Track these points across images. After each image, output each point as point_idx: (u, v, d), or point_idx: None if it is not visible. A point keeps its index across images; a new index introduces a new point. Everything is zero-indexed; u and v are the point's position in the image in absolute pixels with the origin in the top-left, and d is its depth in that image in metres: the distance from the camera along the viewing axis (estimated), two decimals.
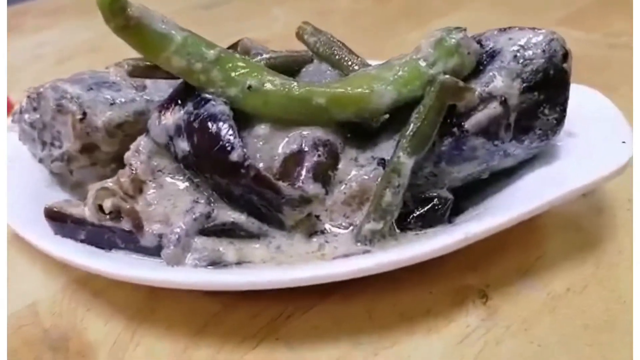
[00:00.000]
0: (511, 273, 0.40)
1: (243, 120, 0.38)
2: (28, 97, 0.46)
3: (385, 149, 0.38)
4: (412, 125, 0.35)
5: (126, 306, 0.41)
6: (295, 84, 0.37)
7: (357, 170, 0.38)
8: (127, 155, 0.40)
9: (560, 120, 0.36)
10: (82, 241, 0.39)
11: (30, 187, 0.47)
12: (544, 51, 0.35)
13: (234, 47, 0.43)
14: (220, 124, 0.36)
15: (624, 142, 0.37)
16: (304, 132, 0.38)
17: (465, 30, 0.35)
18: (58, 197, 0.46)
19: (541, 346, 0.36)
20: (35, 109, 0.46)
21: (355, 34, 0.89)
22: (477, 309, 0.38)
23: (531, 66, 0.35)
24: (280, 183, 0.35)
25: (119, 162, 0.45)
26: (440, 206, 0.38)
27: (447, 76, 0.34)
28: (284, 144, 0.38)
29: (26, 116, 0.47)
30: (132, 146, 0.40)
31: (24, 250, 0.46)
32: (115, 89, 0.43)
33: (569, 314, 0.38)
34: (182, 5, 1.08)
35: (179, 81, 0.40)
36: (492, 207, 0.38)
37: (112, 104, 0.42)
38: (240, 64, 0.38)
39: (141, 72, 0.39)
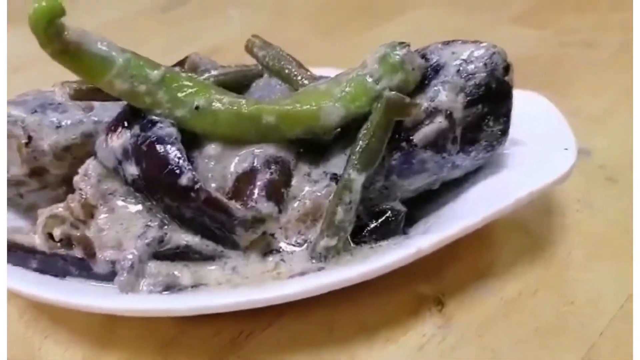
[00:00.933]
0: (465, 280, 0.41)
1: (193, 140, 0.38)
2: None
3: (337, 164, 0.39)
4: (360, 142, 0.36)
5: (85, 331, 0.40)
6: (244, 102, 0.37)
7: (310, 186, 0.38)
8: (76, 179, 0.40)
9: (504, 131, 0.37)
10: (34, 270, 0.38)
11: None
12: (485, 65, 0.35)
13: (181, 63, 0.42)
14: (168, 147, 0.35)
15: (566, 149, 0.38)
16: (256, 150, 0.38)
17: (408, 45, 0.36)
18: (10, 221, 0.46)
19: (495, 351, 0.37)
20: None
21: (312, 35, 0.89)
22: (433, 317, 0.39)
23: (474, 80, 0.35)
24: (232, 204, 0.35)
25: (69, 183, 0.44)
26: (393, 219, 0.38)
27: (392, 92, 0.35)
28: (236, 163, 0.38)
29: None
30: (81, 170, 0.40)
31: None
32: (61, 111, 0.42)
33: (521, 318, 0.39)
34: (139, 7, 1.06)
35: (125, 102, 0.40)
36: (444, 216, 0.39)
37: (58, 127, 0.41)
38: (186, 83, 0.37)
39: (84, 95, 0.38)
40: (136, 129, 0.36)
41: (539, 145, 0.39)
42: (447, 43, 0.37)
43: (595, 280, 0.41)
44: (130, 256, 0.35)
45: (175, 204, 0.36)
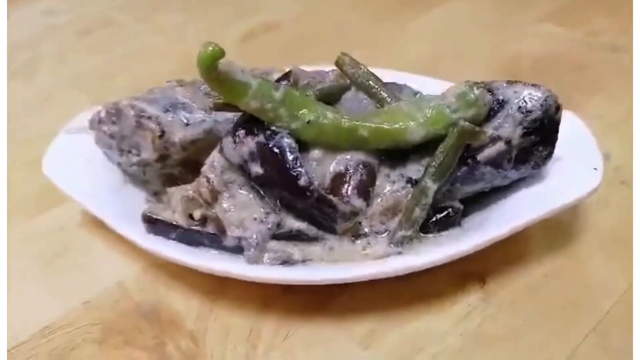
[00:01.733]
0: (504, 264, 0.52)
1: (302, 145, 0.48)
2: (106, 111, 0.54)
3: (412, 169, 0.49)
4: (437, 158, 0.46)
5: (199, 288, 0.52)
6: (344, 119, 0.47)
7: (390, 185, 0.49)
8: (204, 169, 0.50)
9: (549, 155, 0.47)
10: (172, 239, 0.49)
11: (110, 184, 0.56)
12: (541, 105, 0.45)
13: (286, 76, 0.52)
14: (289, 154, 0.45)
15: (595, 168, 0.48)
16: (349, 156, 0.48)
17: (483, 86, 0.45)
18: (134, 192, 0.56)
19: (525, 320, 0.48)
20: (114, 122, 0.54)
21: (357, 21, 0.96)
22: (477, 292, 0.51)
23: (530, 116, 0.45)
24: (335, 200, 0.46)
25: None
26: (453, 214, 0.49)
27: (466, 123, 0.45)
28: (334, 165, 0.48)
29: (105, 127, 0.55)
30: (207, 161, 0.50)
31: (100, 235, 0.56)
32: (188, 111, 0.52)
33: (546, 296, 0.50)
34: None
35: None
36: (494, 215, 0.49)
37: (187, 125, 0.51)
38: (300, 100, 0.47)
39: (222, 108, 0.48)
40: (261, 137, 0.46)
41: (573, 163, 0.49)
42: (511, 83, 0.46)
43: (606, 270, 0.52)
44: (255, 236, 0.46)
45: (290, 198, 0.46)
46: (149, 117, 0.52)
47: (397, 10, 0.98)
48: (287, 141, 0.46)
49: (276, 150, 0.45)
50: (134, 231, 0.50)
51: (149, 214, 0.49)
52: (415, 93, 0.55)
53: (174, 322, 0.50)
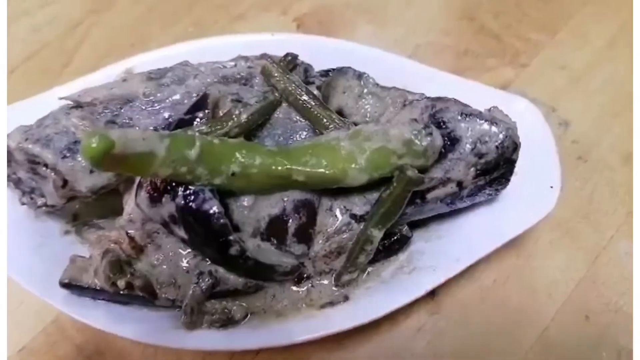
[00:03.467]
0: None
1: (229, 193, 0.42)
2: None
3: (355, 202, 0.44)
4: (381, 207, 0.41)
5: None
6: (274, 163, 0.41)
7: (332, 220, 0.44)
8: (122, 223, 0.44)
9: (504, 187, 0.43)
10: (100, 299, 0.45)
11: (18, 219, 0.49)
12: (497, 147, 0.39)
13: (203, 101, 0.43)
14: (214, 220, 0.40)
15: (551, 187, 0.44)
16: (284, 197, 0.43)
17: (431, 134, 0.39)
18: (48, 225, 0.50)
19: (473, 332, 0.49)
20: (9, 164, 0.46)
21: None
22: (427, 305, 0.50)
23: (485, 159, 0.40)
24: (275, 261, 0.41)
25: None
26: (401, 242, 0.46)
27: (413, 172, 0.39)
28: (268, 209, 0.43)
29: None
30: (124, 216, 0.44)
31: None
32: None
33: (494, 303, 0.50)
34: None
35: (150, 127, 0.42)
36: (440, 237, 0.47)
37: (91, 172, 0.44)
38: (220, 151, 0.40)
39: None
40: (180, 199, 0.40)
41: (529, 181, 0.45)
42: (465, 116, 0.40)
43: (554, 268, 0.51)
44: (189, 301, 0.43)
45: (222, 262, 0.42)
46: (45, 165, 0.44)
47: None
48: (211, 204, 0.40)
49: (199, 216, 0.40)
50: (55, 294, 0.45)
51: (67, 281, 0.44)
52: (359, 75, 0.49)
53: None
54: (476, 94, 0.48)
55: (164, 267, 0.44)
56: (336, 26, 0.70)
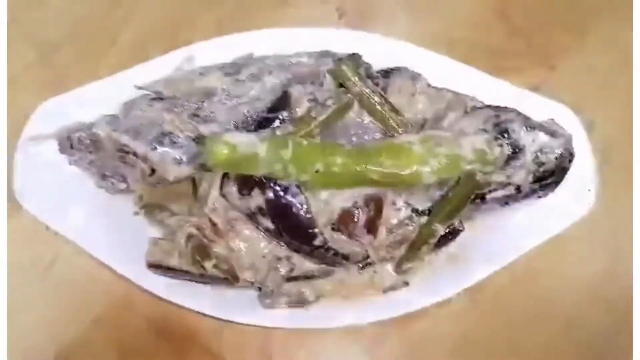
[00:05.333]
0: None
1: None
2: (79, 139, 0.48)
3: (417, 198, 0.49)
4: (448, 205, 0.46)
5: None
6: (354, 163, 0.45)
7: (396, 214, 0.49)
8: (207, 210, 0.48)
9: (553, 191, 0.48)
10: (181, 279, 0.49)
11: (94, 204, 0.52)
12: (556, 158, 0.45)
13: (284, 101, 0.47)
14: (302, 213, 0.44)
15: (589, 189, 0.50)
16: (357, 193, 0.47)
17: (502, 145, 0.43)
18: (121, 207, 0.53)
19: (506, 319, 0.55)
20: (90, 152, 0.48)
21: None
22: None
23: (544, 167, 0.45)
24: (349, 251, 0.46)
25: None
26: (454, 234, 0.51)
27: (480, 177, 0.44)
28: (341, 202, 0.47)
29: (79, 154, 0.49)
30: (209, 204, 0.47)
31: None
32: (177, 144, 0.47)
33: (526, 291, 0.56)
34: None
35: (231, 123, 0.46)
36: (487, 230, 0.52)
37: (180, 163, 0.47)
38: (308, 152, 0.44)
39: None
40: (270, 194, 0.44)
41: (569, 182, 0.50)
42: (528, 129, 0.45)
43: (583, 260, 0.57)
44: (270, 284, 0.47)
45: (302, 249, 0.47)
46: (135, 154, 0.47)
47: None
48: (300, 199, 0.44)
49: (289, 210, 0.44)
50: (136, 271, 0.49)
51: (154, 262, 0.48)
52: (414, 76, 0.52)
53: (189, 338, 0.53)
54: (512, 96, 0.52)
55: (243, 252, 0.48)
56: (376, 18, 0.72)
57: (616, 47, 0.71)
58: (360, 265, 0.50)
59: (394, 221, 0.49)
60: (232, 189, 0.45)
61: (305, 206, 0.44)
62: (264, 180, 0.44)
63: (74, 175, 0.52)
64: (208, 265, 0.47)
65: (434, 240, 0.48)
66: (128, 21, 0.70)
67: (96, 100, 0.51)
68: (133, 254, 0.50)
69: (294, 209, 0.44)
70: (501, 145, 0.44)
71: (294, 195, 0.44)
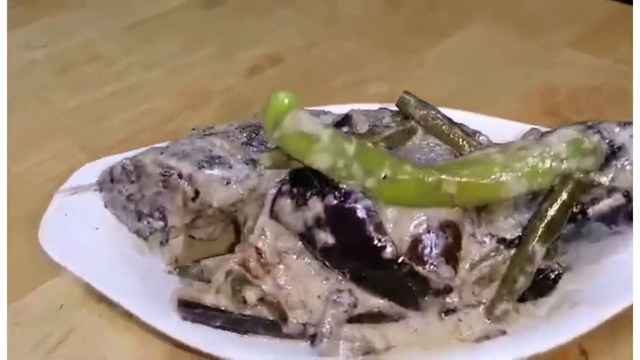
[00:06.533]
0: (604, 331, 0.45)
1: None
2: (123, 167, 0.45)
3: (502, 227, 0.41)
4: (543, 217, 0.38)
5: None
6: (426, 173, 0.39)
7: (477, 247, 0.41)
8: (253, 239, 0.41)
9: None
10: (216, 327, 0.40)
11: (123, 256, 0.46)
12: None
13: (347, 121, 0.44)
14: (369, 220, 0.37)
15: None
16: (430, 215, 0.40)
17: (599, 132, 0.38)
18: (152, 263, 0.46)
19: None
20: (132, 182, 0.45)
21: (368, 47, 0.89)
22: None
23: None
24: (428, 274, 0.37)
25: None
26: (554, 278, 0.41)
27: (582, 175, 0.37)
28: (412, 227, 0.40)
29: (119, 186, 0.45)
30: (256, 230, 0.41)
31: (109, 313, 0.46)
32: (226, 166, 0.43)
33: None
34: (181, 2, 1.03)
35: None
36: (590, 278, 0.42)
37: (227, 183, 0.42)
38: (373, 155, 0.39)
39: (281, 165, 0.39)
40: (330, 199, 0.38)
41: None
42: (623, 125, 0.40)
43: None
44: (329, 321, 0.37)
45: (368, 271, 0.38)
46: (179, 175, 0.42)
47: (408, 39, 0.92)
48: (366, 203, 0.37)
49: (354, 214, 0.37)
50: (163, 319, 0.40)
51: (187, 299, 0.39)
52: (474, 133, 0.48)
53: None
54: None
55: (294, 289, 0.40)
56: None
57: None
58: (440, 312, 0.40)
59: (476, 257, 0.41)
60: (286, 201, 0.39)
61: (372, 211, 0.37)
62: (324, 186, 0.38)
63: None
64: (250, 295, 0.38)
65: (531, 269, 0.39)
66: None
67: None
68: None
69: (359, 213, 0.37)
70: (597, 132, 0.38)
71: (358, 200, 0.38)
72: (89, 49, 0.90)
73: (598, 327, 0.38)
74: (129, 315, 0.43)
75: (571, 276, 0.43)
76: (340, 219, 0.37)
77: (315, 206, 0.38)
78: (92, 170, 0.49)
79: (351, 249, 0.38)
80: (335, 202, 0.38)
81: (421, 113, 0.45)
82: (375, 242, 0.37)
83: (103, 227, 0.47)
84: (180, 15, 1.00)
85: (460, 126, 0.44)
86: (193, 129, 0.48)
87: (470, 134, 0.44)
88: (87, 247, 0.46)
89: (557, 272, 0.42)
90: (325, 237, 0.38)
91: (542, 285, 0.42)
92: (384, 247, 0.37)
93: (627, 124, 0.40)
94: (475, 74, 0.81)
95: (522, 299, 0.41)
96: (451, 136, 0.43)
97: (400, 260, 0.37)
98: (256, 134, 0.46)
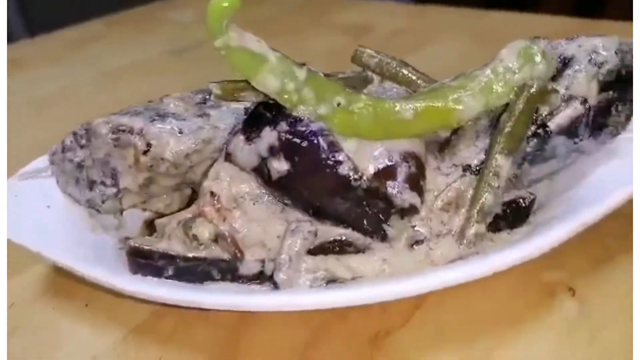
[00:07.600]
0: (591, 263, 0.42)
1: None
2: (74, 134, 0.43)
3: (464, 156, 0.40)
4: (505, 128, 0.37)
5: (204, 347, 0.38)
6: (381, 102, 0.38)
7: (442, 179, 0.39)
8: (207, 184, 0.39)
9: (629, 116, 0.39)
10: (168, 277, 0.37)
11: (76, 233, 0.44)
12: (616, 53, 0.38)
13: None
14: (322, 139, 0.35)
15: None
16: (390, 146, 0.39)
17: (546, 38, 0.38)
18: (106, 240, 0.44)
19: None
20: (82, 147, 0.43)
21: None
22: (570, 301, 0.40)
23: (606, 67, 0.38)
24: (389, 191, 0.35)
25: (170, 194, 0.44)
26: (525, 206, 0.39)
27: (536, 81, 0.37)
28: (373, 158, 0.38)
29: (69, 154, 0.44)
30: (210, 174, 0.39)
31: (61, 308, 0.43)
32: (180, 119, 0.42)
33: None
34: (152, 51, 1.06)
35: (242, 107, 0.40)
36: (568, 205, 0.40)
37: (180, 134, 0.41)
38: (325, 84, 0.38)
39: (231, 93, 0.38)
40: (282, 125, 0.36)
41: None
42: (570, 38, 0.40)
43: None
44: (287, 251, 0.35)
45: (328, 198, 0.36)
46: (130, 131, 0.41)
47: None
48: (317, 124, 0.36)
49: (306, 136, 0.35)
50: (114, 277, 0.37)
51: (137, 246, 0.37)
52: None
53: None
54: None
55: (251, 231, 0.37)
56: None
57: None
58: (410, 243, 0.37)
59: (442, 186, 0.39)
60: (239, 138, 0.38)
61: (325, 130, 0.36)
62: (276, 116, 0.37)
63: None
64: (203, 232, 0.35)
65: (498, 183, 0.37)
66: None
67: None
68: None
69: (311, 135, 0.36)
70: (545, 37, 0.37)
71: (310, 122, 0.36)
72: None
73: (576, 236, 0.36)
74: (85, 305, 0.41)
75: (545, 211, 0.41)
76: (293, 142, 0.36)
77: (268, 135, 0.37)
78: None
79: (307, 171, 0.36)
80: (287, 127, 0.36)
81: (375, 60, 0.44)
82: (330, 159, 0.35)
83: (55, 206, 0.45)
84: (151, 61, 1.02)
85: (413, 67, 0.44)
86: (150, 101, 0.47)
87: (426, 75, 0.44)
88: (38, 224, 0.43)
89: (529, 200, 0.40)
90: (280, 165, 0.36)
91: (516, 215, 0.40)
92: (340, 163, 0.35)
93: (574, 38, 0.40)
94: None
95: (497, 229, 0.39)
96: (406, 76, 0.43)
97: (357, 175, 0.35)
98: (210, 96, 0.45)
